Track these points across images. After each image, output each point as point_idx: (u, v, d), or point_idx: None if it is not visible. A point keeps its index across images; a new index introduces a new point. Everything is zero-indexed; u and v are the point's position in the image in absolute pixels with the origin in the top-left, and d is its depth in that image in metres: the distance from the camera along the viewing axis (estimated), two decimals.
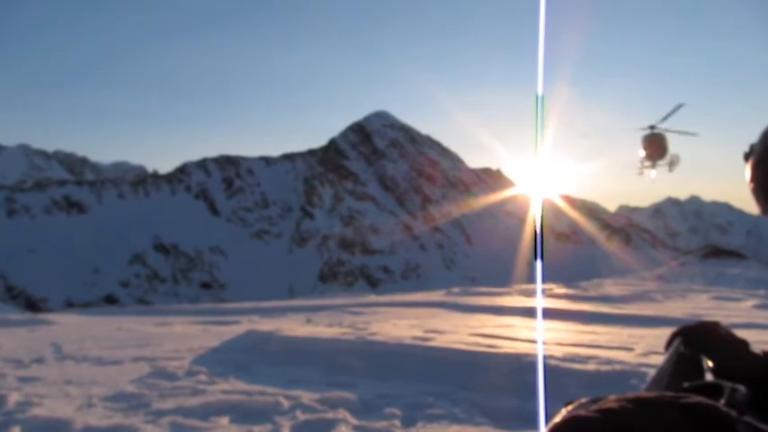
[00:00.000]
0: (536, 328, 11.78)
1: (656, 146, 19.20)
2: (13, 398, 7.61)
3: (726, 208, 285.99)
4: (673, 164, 19.77)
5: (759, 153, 1.50)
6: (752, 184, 1.53)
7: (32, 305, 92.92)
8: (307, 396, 7.63)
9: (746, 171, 1.54)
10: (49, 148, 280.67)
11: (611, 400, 0.84)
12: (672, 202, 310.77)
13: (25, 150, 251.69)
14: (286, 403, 7.35)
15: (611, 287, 27.68)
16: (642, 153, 19.65)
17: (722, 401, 1.00)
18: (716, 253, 47.67)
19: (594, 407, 0.83)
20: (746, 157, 1.55)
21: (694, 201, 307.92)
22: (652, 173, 20.49)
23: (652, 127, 19.23)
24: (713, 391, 1.04)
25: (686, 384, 1.12)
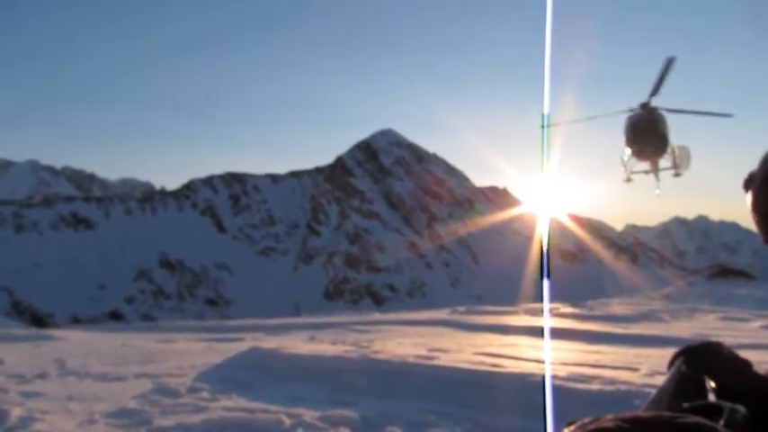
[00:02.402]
0: (542, 348, 11.71)
1: (648, 135, 11.11)
2: (16, 413, 7.59)
3: (734, 227, 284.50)
4: (679, 165, 11.73)
5: (760, 182, 1.47)
6: (754, 215, 1.50)
7: (38, 320, 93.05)
8: (309, 414, 7.58)
9: (748, 200, 1.51)
10: (58, 164, 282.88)
11: (607, 420, 0.84)
12: (679, 222, 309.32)
13: (34, 166, 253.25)
14: (288, 421, 7.30)
15: (617, 306, 27.49)
16: (628, 151, 11.46)
17: (721, 422, 0.98)
18: (724, 273, 47.31)
19: (591, 426, 0.83)
20: (747, 186, 1.51)
21: (702, 220, 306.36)
22: (657, 190, 12.17)
23: (644, 105, 11.18)
24: (713, 411, 1.02)
25: (686, 405, 1.11)
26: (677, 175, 11.93)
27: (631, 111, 11.37)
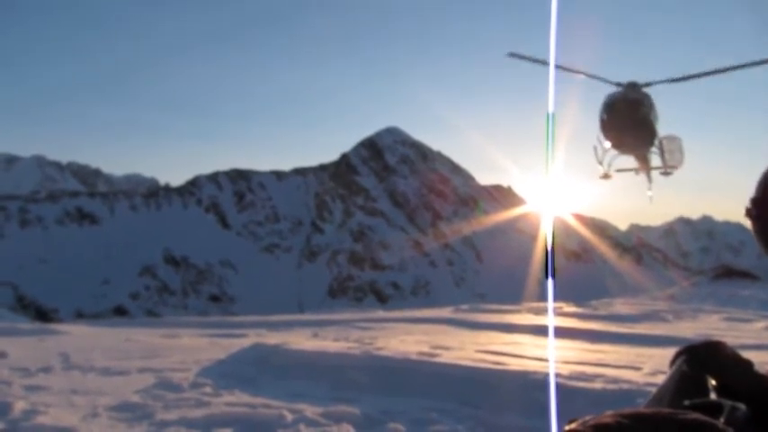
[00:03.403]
0: (544, 346, 11.70)
1: (627, 119, 8.65)
2: (19, 406, 7.63)
3: (738, 228, 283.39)
4: (668, 161, 9.27)
5: (760, 210, 1.49)
6: (759, 240, 1.51)
7: (43, 315, 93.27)
8: (311, 410, 7.59)
9: (751, 227, 1.52)
10: (63, 159, 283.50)
11: (607, 416, 0.85)
12: (683, 222, 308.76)
13: (39, 161, 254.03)
14: (290, 417, 7.32)
15: (621, 306, 27.46)
16: (606, 142, 9.01)
17: (721, 419, 0.98)
18: (728, 273, 47.20)
19: (591, 422, 0.84)
20: (749, 213, 1.53)
21: (706, 220, 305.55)
22: (648, 192, 9.78)
23: (633, 85, 8.79)
24: (714, 409, 1.03)
25: (686, 402, 1.11)
26: (666, 173, 9.28)
27: (618, 85, 8.87)
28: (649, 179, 9.50)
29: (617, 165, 9.48)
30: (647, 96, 8.82)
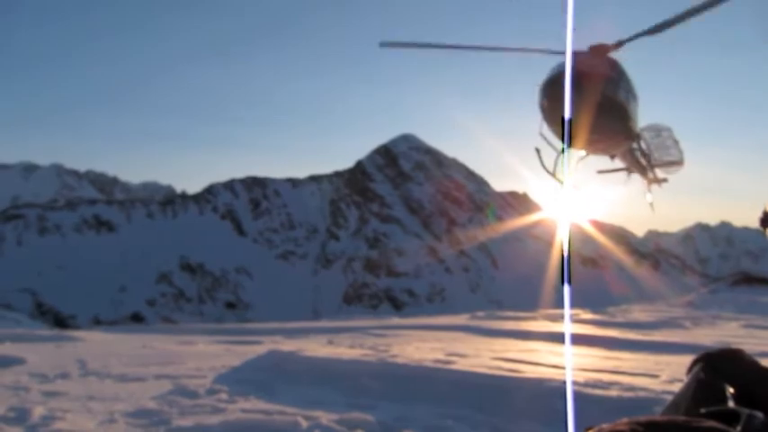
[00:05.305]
0: (561, 354, 11.62)
1: (585, 103, 4.78)
2: (38, 412, 7.70)
3: (758, 234, 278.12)
4: (654, 161, 6.21)
5: None
6: None
7: (61, 322, 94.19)
8: (326, 417, 7.58)
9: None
10: (81, 167, 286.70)
11: (622, 423, 0.85)
12: (702, 228, 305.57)
13: (58, 170, 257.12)
14: (305, 423, 7.31)
15: (638, 313, 27.19)
16: (555, 140, 5.23)
17: (738, 428, 0.97)
18: (747, 280, 46.56)
19: (606, 430, 0.84)
20: (764, 223, 1.52)
21: (725, 226, 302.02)
22: (648, 197, 6.46)
23: (593, 49, 5.28)
24: (730, 417, 1.01)
25: (703, 410, 1.10)
26: (658, 180, 6.51)
27: (575, 54, 5.33)
28: (648, 181, 6.55)
29: (598, 164, 6.36)
30: (612, 64, 5.53)
